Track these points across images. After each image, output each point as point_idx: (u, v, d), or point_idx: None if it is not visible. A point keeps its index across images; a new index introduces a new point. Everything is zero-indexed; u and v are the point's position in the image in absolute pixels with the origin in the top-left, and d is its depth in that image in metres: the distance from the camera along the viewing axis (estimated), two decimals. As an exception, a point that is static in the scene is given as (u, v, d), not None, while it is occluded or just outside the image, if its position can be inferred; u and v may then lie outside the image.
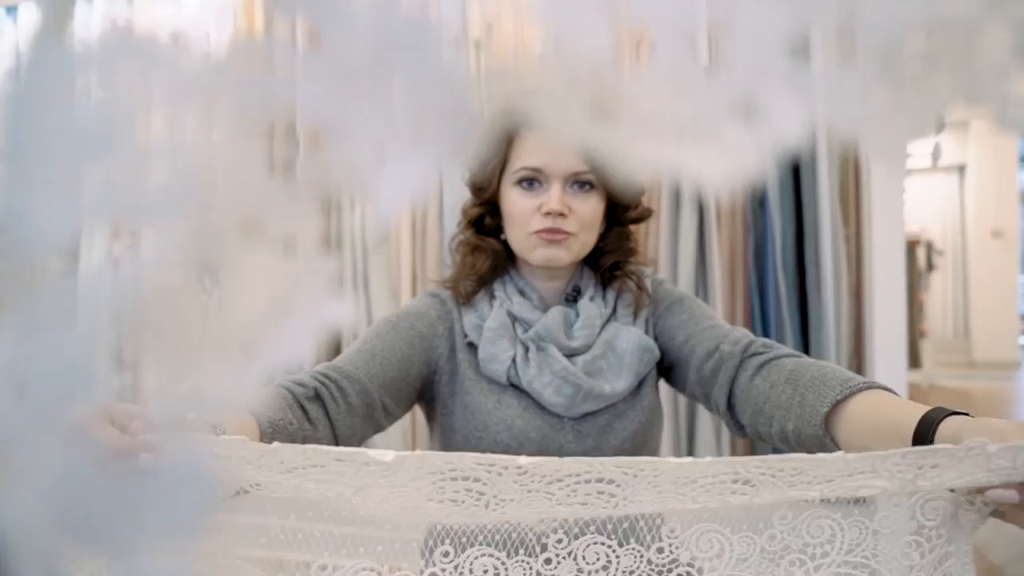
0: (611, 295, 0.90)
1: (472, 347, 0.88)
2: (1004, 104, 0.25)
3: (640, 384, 0.88)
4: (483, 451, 0.76)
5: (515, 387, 0.86)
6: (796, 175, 2.01)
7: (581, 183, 0.84)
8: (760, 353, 0.79)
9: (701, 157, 0.25)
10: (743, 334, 0.83)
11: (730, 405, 0.80)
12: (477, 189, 0.90)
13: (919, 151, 3.08)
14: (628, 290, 0.90)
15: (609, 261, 0.90)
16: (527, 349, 0.85)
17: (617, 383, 0.85)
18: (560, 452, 0.82)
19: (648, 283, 0.92)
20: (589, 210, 0.85)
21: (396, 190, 0.26)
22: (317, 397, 0.75)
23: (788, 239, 2.01)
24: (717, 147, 0.24)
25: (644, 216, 0.92)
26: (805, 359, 0.77)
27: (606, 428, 0.85)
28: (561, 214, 0.82)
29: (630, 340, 0.86)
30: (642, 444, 0.87)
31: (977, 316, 7.24)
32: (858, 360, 1.99)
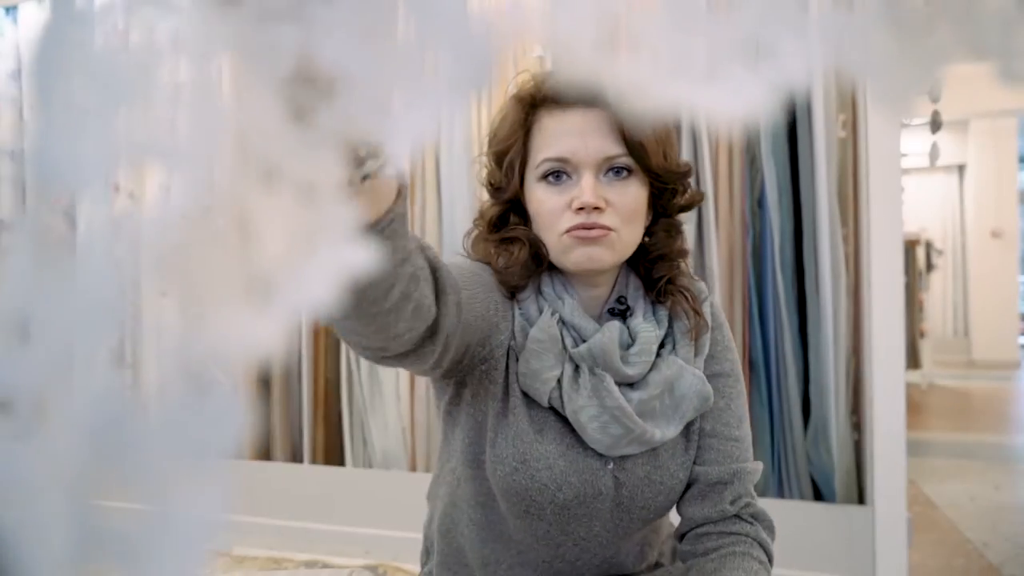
0: (663, 314, 0.77)
1: (511, 353, 0.75)
2: (1008, 57, 0.24)
3: (686, 431, 0.79)
4: (519, 487, 0.71)
5: (555, 412, 0.75)
6: (794, 175, 2.01)
7: (617, 169, 0.71)
8: (735, 534, 0.77)
9: (711, 95, 0.25)
10: (749, 485, 0.79)
11: (680, 512, 0.81)
12: (495, 189, 0.77)
13: (918, 150, 3.07)
14: (684, 313, 0.77)
15: (661, 271, 0.77)
16: (576, 368, 0.74)
17: (668, 429, 0.75)
18: (596, 498, 0.75)
19: (706, 307, 0.81)
20: (630, 199, 0.72)
21: (403, 136, 0.26)
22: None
23: (787, 238, 2.01)
24: (725, 86, 0.24)
25: (695, 201, 0.79)
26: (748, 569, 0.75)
27: (644, 481, 0.76)
28: (597, 208, 0.70)
29: (692, 386, 0.75)
30: (671, 503, 0.80)
31: (976, 316, 7.24)
32: (856, 360, 2.00)
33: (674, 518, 0.87)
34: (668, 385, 0.76)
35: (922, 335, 5.43)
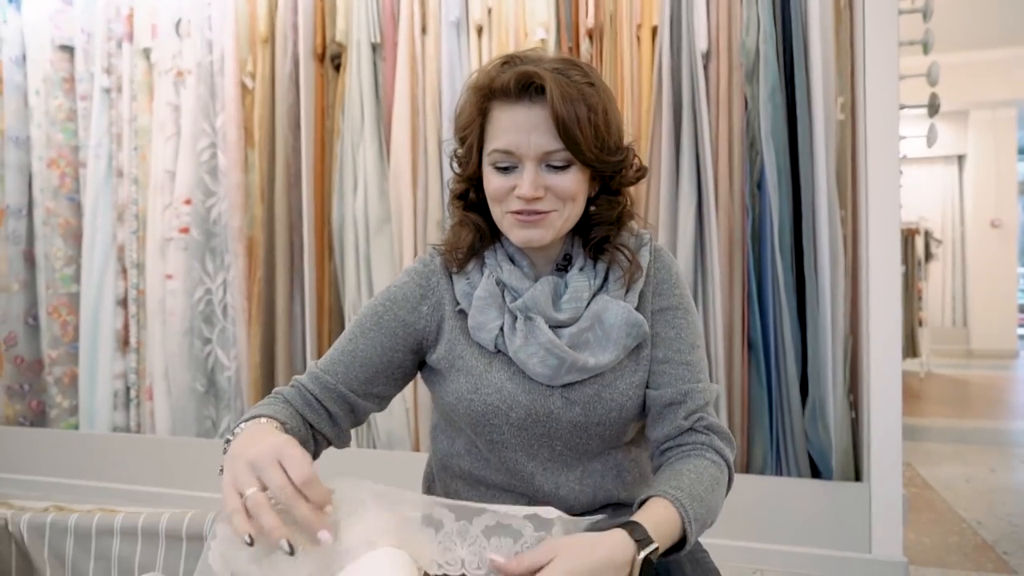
0: (602, 266, 0.88)
1: (463, 314, 0.89)
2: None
3: (631, 357, 0.87)
4: (475, 411, 0.85)
5: (503, 354, 0.86)
6: (794, 158, 2.04)
7: (556, 165, 0.81)
8: (691, 443, 0.85)
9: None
10: (701, 402, 0.86)
11: (647, 439, 0.90)
12: (460, 165, 0.89)
13: (917, 135, 3.09)
14: (619, 263, 0.87)
15: (599, 234, 0.87)
16: (515, 319, 0.85)
17: (602, 356, 0.84)
18: (549, 417, 0.84)
19: (645, 252, 0.90)
20: (568, 184, 0.81)
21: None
22: (303, 414, 0.86)
23: (786, 221, 2.03)
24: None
25: (640, 175, 0.88)
26: (704, 471, 0.82)
27: (594, 398, 0.85)
28: (536, 198, 0.80)
29: (618, 315, 0.84)
30: (628, 419, 0.87)
31: (975, 306, 7.27)
32: (854, 340, 2.03)
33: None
34: (596, 318, 0.85)
35: (920, 324, 5.46)
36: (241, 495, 0.60)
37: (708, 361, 2.08)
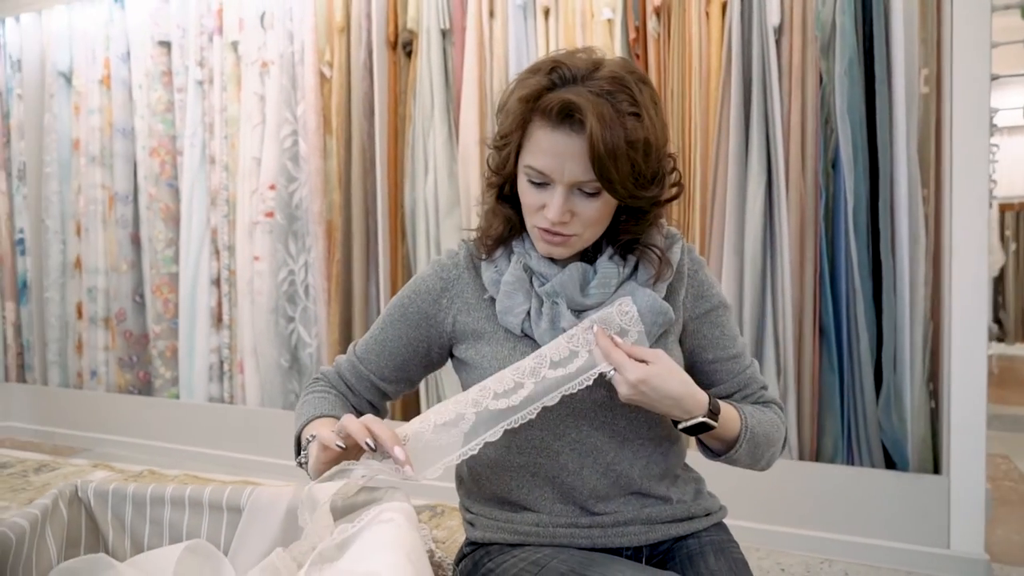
0: (632, 258, 0.88)
1: (492, 301, 0.90)
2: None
3: (657, 343, 0.86)
4: None
5: (529, 338, 0.87)
6: (871, 134, 1.94)
7: (587, 192, 0.81)
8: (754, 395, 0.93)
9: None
10: (757, 386, 0.93)
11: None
12: (497, 163, 0.88)
13: (1013, 106, 2.86)
14: (649, 260, 0.87)
15: (626, 238, 0.87)
16: (541, 303, 0.86)
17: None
18: (573, 398, 0.84)
19: (677, 250, 0.90)
20: (594, 212, 0.82)
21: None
22: (347, 399, 0.96)
23: (861, 201, 1.95)
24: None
25: (675, 196, 0.87)
26: (766, 415, 0.90)
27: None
28: (562, 223, 0.81)
29: (644, 301, 0.84)
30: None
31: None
32: (935, 326, 1.93)
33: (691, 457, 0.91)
34: None
35: (1008, 307, 5.06)
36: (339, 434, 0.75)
37: (777, 345, 2.03)
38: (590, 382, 0.79)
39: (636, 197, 0.80)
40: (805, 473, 2.02)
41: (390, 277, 2.61)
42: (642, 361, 0.78)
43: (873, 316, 1.96)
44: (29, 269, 3.42)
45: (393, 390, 0.96)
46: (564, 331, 0.85)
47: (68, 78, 3.25)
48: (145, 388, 3.16)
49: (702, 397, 0.81)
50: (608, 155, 0.75)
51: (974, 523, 1.83)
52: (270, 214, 2.76)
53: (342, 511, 0.68)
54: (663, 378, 0.77)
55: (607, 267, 0.87)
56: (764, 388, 0.94)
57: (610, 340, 0.79)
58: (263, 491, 0.80)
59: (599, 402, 0.86)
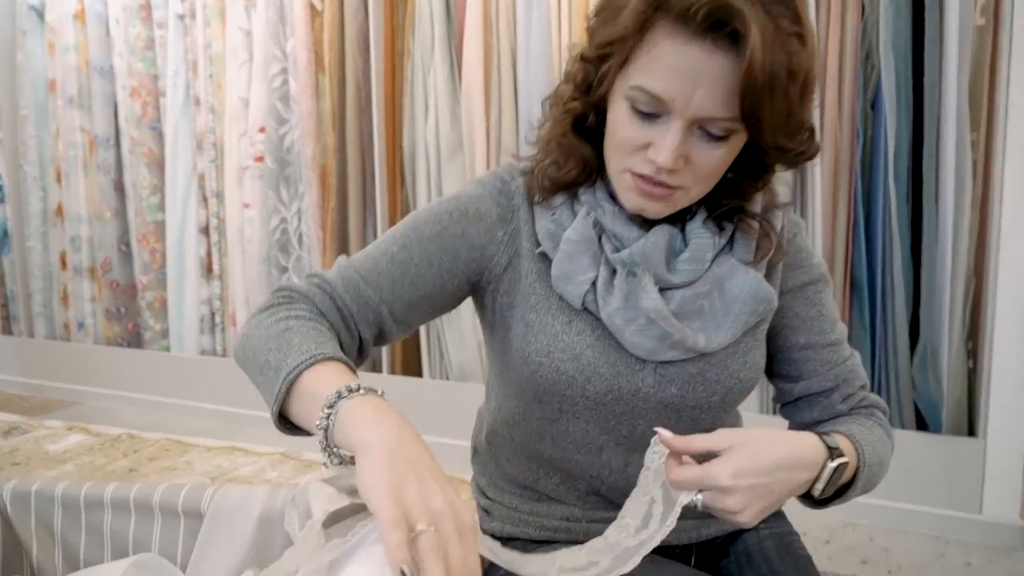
0: (728, 226, 0.70)
1: (544, 257, 0.70)
2: None
3: (748, 334, 0.71)
4: (543, 378, 0.69)
5: (591, 314, 0.69)
6: (917, 72, 1.77)
7: (712, 134, 0.61)
8: (854, 415, 0.75)
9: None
10: (859, 384, 0.76)
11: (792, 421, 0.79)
12: (584, 82, 0.66)
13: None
14: (751, 232, 0.69)
15: (730, 204, 0.69)
16: (613, 273, 0.67)
17: (716, 335, 0.68)
18: (635, 396, 0.69)
19: (779, 216, 0.71)
20: (715, 161, 0.62)
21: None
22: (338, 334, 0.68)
23: (903, 145, 1.79)
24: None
25: (810, 156, 0.66)
26: (874, 429, 0.73)
27: (696, 379, 0.69)
28: (672, 170, 0.61)
29: (746, 284, 0.67)
30: (732, 403, 0.72)
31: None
32: (978, 282, 1.79)
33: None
34: (718, 284, 0.68)
35: None
36: (412, 530, 0.45)
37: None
38: (673, 524, 0.59)
39: (782, 149, 0.62)
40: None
41: (388, 226, 2.45)
42: (710, 455, 0.58)
43: (911, 269, 1.82)
44: (9, 218, 3.25)
45: (395, 332, 0.71)
46: (646, 313, 0.65)
47: (40, 13, 3.02)
48: (134, 340, 3.04)
49: (810, 440, 0.61)
50: (765, 86, 0.55)
51: (1010, 488, 1.74)
52: (260, 159, 2.59)
53: (330, 520, 0.54)
54: (755, 449, 0.57)
55: (701, 235, 0.68)
56: (864, 387, 0.76)
57: (674, 463, 0.59)
58: (228, 492, 0.64)
59: (666, 402, 0.70)
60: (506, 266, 0.71)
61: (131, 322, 3.04)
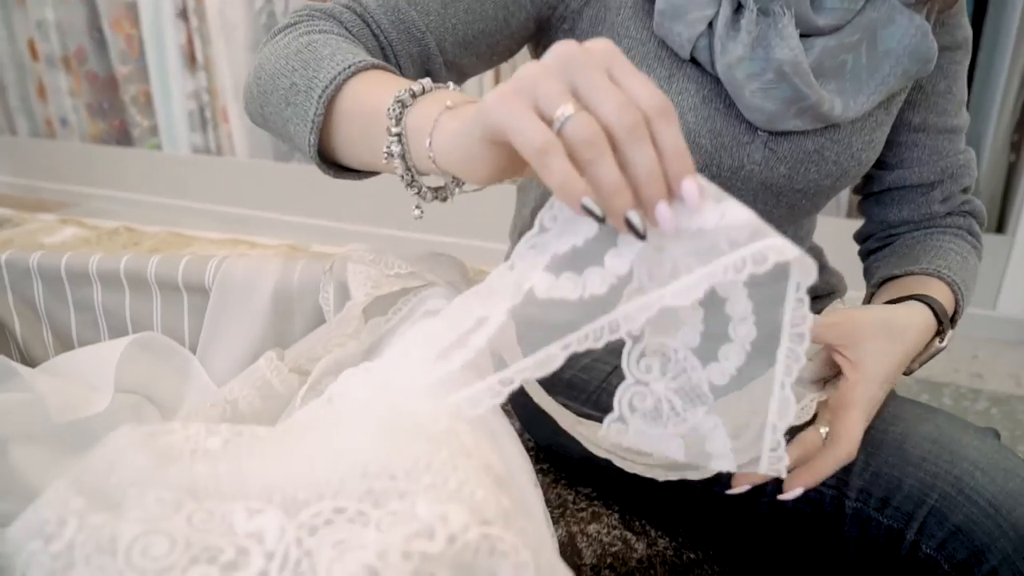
0: None
1: None
2: None
3: (882, 105, 0.59)
4: None
5: (698, 66, 0.55)
6: None
7: None
8: (946, 226, 0.64)
9: None
10: (968, 181, 0.65)
11: (867, 216, 0.68)
12: None
13: None
14: None
15: None
16: (738, 9, 0.53)
17: (854, 100, 0.55)
18: (736, 173, 0.57)
19: None
20: None
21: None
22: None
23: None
24: None
25: None
26: (969, 256, 0.62)
27: (813, 157, 0.57)
28: None
29: (906, 36, 0.54)
30: (840, 189, 0.62)
31: None
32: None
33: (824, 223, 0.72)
34: (870, 32, 0.54)
35: None
36: (551, 120, 0.29)
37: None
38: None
39: None
40: (850, 228, 1.86)
41: None
42: (834, 363, 0.49)
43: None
44: (-35, -1, 2.95)
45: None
46: (778, 66, 0.52)
47: None
48: (123, 138, 2.89)
49: (923, 319, 0.52)
50: None
51: (1027, 285, 1.71)
52: (236, -75, 2.28)
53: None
54: (874, 347, 0.47)
55: None
56: (968, 189, 0.65)
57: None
58: (236, 264, 0.54)
59: (769, 183, 0.59)
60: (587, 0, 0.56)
61: (117, 119, 2.87)
